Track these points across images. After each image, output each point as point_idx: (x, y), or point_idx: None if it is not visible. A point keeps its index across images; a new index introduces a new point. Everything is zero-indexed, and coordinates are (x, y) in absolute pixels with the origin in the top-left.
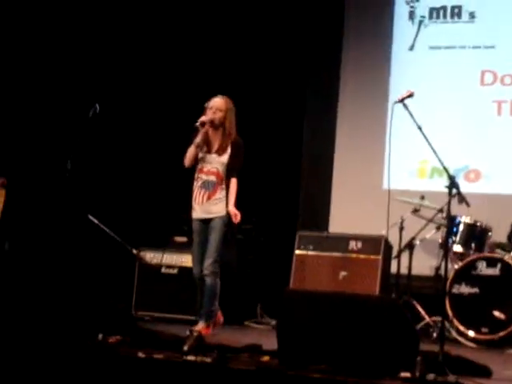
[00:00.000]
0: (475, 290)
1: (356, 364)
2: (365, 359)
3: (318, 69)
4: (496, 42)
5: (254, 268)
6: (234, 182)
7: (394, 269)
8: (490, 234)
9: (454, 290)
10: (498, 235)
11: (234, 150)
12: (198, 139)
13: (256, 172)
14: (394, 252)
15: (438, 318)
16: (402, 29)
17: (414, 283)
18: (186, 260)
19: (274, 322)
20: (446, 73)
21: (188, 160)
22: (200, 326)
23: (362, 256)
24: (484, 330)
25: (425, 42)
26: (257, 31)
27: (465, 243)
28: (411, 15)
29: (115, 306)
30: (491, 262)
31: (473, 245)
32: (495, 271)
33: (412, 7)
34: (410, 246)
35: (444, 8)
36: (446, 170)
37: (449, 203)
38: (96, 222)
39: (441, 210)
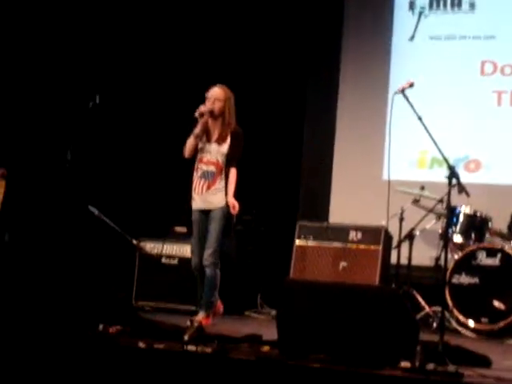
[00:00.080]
0: (475, 280)
1: (356, 354)
2: (365, 349)
3: (318, 60)
4: (496, 32)
5: (254, 258)
6: (233, 172)
7: (393, 259)
8: (489, 224)
9: (454, 280)
10: (498, 225)
11: (234, 139)
12: (197, 130)
13: (256, 163)
14: (394, 242)
15: (438, 308)
16: (402, 19)
17: (413, 273)
18: (186, 250)
19: (274, 312)
20: (446, 63)
21: (188, 151)
22: (200, 316)
23: (362, 246)
24: (484, 320)
25: (425, 33)
26: (256, 22)
27: (465, 233)
28: (411, 5)
29: (116, 297)
30: (491, 252)
31: (473, 235)
32: (495, 261)
33: None
34: (410, 237)
35: None
36: (445, 160)
37: (449, 193)
38: (96, 212)
39: (441, 201)
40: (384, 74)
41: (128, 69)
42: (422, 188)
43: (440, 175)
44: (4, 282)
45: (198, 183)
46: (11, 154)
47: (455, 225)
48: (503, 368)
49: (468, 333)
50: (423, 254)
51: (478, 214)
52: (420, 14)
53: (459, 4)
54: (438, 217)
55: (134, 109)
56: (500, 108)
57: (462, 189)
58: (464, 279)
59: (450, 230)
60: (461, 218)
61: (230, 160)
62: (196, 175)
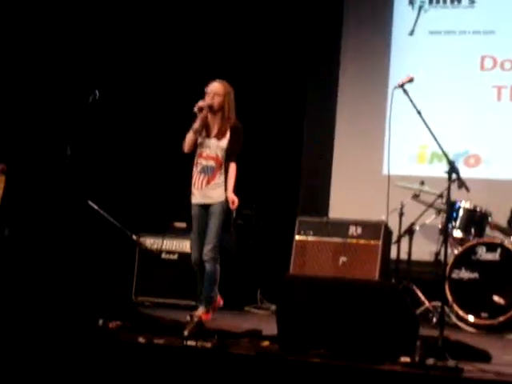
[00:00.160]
0: (475, 275)
1: (356, 349)
2: (365, 344)
3: (318, 55)
4: (496, 27)
5: (254, 253)
6: (232, 167)
7: (393, 254)
8: (489, 219)
9: (454, 275)
10: (498, 220)
11: (233, 134)
12: (196, 124)
13: (256, 157)
14: (394, 237)
15: (438, 303)
16: (401, 14)
17: (413, 268)
18: (185, 246)
19: (273, 308)
20: (446, 58)
21: (187, 146)
22: (200, 312)
23: (361, 241)
24: (484, 314)
25: (425, 27)
26: (257, 21)
27: (464, 228)
28: (411, 0)
29: (115, 292)
30: (491, 247)
31: (472, 230)
32: (495, 256)
33: None
34: (410, 232)
35: None
36: (445, 155)
37: (448, 188)
38: (96, 207)
39: (441, 196)
40: (384, 68)
41: (127, 64)
42: (422, 183)
43: (440, 170)
44: (4, 277)
45: (197, 178)
46: (11, 150)
47: (455, 220)
48: (503, 363)
49: (468, 328)
50: (423, 249)
51: (478, 209)
52: (420, 8)
53: None
54: (438, 212)
55: (134, 104)
56: (500, 103)
57: (461, 184)
58: (464, 274)
59: (449, 225)
60: (461, 213)
61: (230, 155)
62: (196, 170)
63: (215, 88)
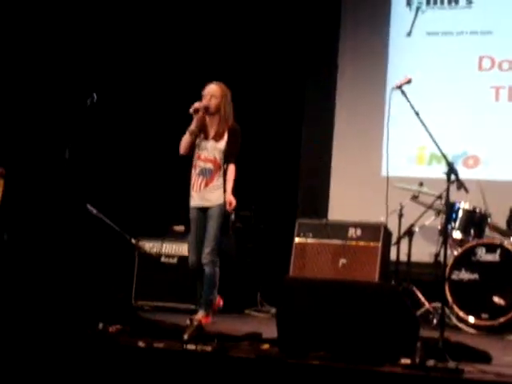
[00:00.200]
0: (475, 276)
1: (356, 351)
2: (365, 346)
3: (316, 56)
4: (493, 27)
5: (254, 256)
6: (231, 168)
7: (393, 256)
8: (489, 220)
9: (454, 277)
10: (497, 221)
11: (231, 136)
12: (192, 126)
13: (255, 159)
14: (394, 239)
15: (438, 305)
16: (399, 15)
17: (413, 270)
18: (185, 249)
19: (273, 310)
20: (444, 59)
21: (183, 147)
22: (200, 315)
23: (361, 243)
24: (484, 315)
25: (422, 28)
26: (255, 23)
27: (464, 229)
28: (409, 1)
29: (115, 296)
30: (491, 248)
31: (472, 231)
32: (495, 257)
33: None
34: (410, 233)
35: None
36: (444, 156)
37: (447, 189)
38: (95, 211)
39: (440, 197)
40: (382, 69)
41: (125, 67)
42: (421, 184)
43: (439, 171)
44: (3, 281)
45: (196, 180)
46: (9, 153)
47: (454, 221)
48: (503, 364)
49: (468, 329)
50: (423, 251)
51: (478, 210)
52: (417, 9)
53: (456, 0)
54: (437, 213)
55: (132, 107)
56: (498, 103)
57: (460, 185)
58: (464, 275)
59: (449, 226)
60: (460, 214)
61: (228, 156)
62: (194, 172)
63: (212, 90)
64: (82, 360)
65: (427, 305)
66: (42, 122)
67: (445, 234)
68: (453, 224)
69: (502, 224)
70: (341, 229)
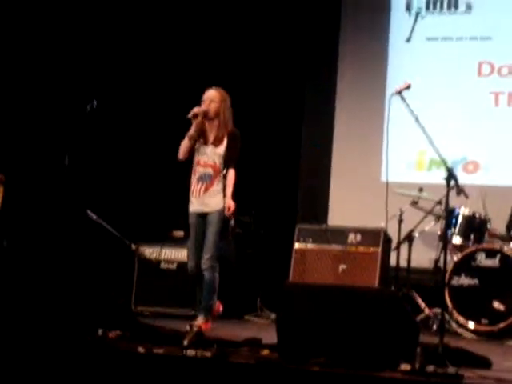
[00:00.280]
0: (475, 281)
1: (356, 357)
2: (365, 352)
3: (316, 62)
4: (493, 33)
5: (254, 262)
6: (231, 173)
7: (393, 261)
8: (488, 225)
9: (454, 282)
10: (497, 226)
11: (230, 140)
12: (191, 131)
13: (255, 165)
14: (393, 244)
15: (438, 310)
16: (398, 20)
17: (413, 275)
18: (184, 255)
19: (273, 316)
20: (443, 64)
21: (182, 152)
22: (199, 321)
23: (361, 249)
24: (484, 321)
25: (422, 34)
26: (254, 27)
27: (464, 235)
28: (408, 7)
29: (115, 301)
30: (490, 254)
31: (472, 236)
32: (494, 262)
33: None
34: (409, 239)
35: None
36: (443, 161)
37: (447, 195)
38: (94, 217)
39: (439, 202)
40: (381, 75)
41: (125, 73)
42: (421, 190)
43: (438, 177)
44: (3, 287)
45: (195, 186)
46: (9, 160)
47: (454, 226)
48: (503, 369)
49: (468, 334)
50: (422, 256)
51: (477, 216)
52: (417, 15)
53: (456, 5)
54: (437, 218)
55: (132, 113)
56: (498, 109)
57: (460, 190)
58: (463, 281)
59: (449, 232)
60: (460, 220)
61: (228, 161)
62: (194, 178)
63: (211, 95)
64: (82, 366)
65: (427, 310)
66: (42, 129)
67: (444, 239)
68: (452, 229)
69: (502, 229)
70: (341, 234)
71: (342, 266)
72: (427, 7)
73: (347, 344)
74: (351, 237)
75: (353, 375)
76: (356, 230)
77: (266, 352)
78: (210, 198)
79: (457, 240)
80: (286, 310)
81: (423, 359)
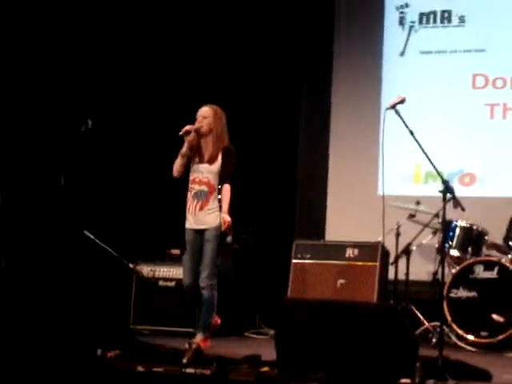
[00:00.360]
0: (473, 293)
1: (356, 372)
2: (364, 366)
3: (311, 76)
4: (487, 45)
5: (252, 278)
6: (226, 188)
7: (391, 275)
8: (486, 237)
9: (452, 295)
10: (494, 238)
11: (225, 156)
12: (184, 148)
13: (252, 181)
14: (391, 258)
15: (437, 323)
16: (392, 35)
17: (411, 289)
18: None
19: (272, 332)
20: (438, 77)
21: (176, 170)
22: (198, 339)
23: (359, 263)
24: (483, 333)
25: (415, 47)
26: (249, 42)
27: (461, 247)
28: (401, 21)
29: (113, 321)
30: (488, 266)
31: (470, 249)
32: (493, 274)
33: (402, 13)
34: (407, 252)
35: (434, 13)
36: (439, 174)
37: (444, 208)
38: (92, 237)
39: (437, 215)
40: (376, 89)
41: (120, 92)
42: (418, 203)
43: (435, 190)
44: (2, 307)
45: (191, 203)
46: (5, 180)
47: (452, 239)
48: (503, 382)
49: (467, 347)
50: (421, 269)
51: (475, 228)
52: (410, 28)
53: (449, 18)
54: (435, 231)
55: (127, 132)
56: (493, 121)
57: (457, 203)
58: (462, 293)
59: (446, 245)
60: (457, 232)
61: (223, 177)
62: (189, 196)
63: (203, 112)
64: None
65: (426, 324)
66: (37, 149)
67: (442, 252)
68: (450, 242)
69: (499, 241)
70: (338, 249)
71: (341, 281)
72: (420, 21)
73: (347, 359)
74: (349, 251)
75: None
76: (354, 245)
77: (265, 369)
78: (206, 215)
79: (455, 252)
80: (285, 325)
81: (423, 373)
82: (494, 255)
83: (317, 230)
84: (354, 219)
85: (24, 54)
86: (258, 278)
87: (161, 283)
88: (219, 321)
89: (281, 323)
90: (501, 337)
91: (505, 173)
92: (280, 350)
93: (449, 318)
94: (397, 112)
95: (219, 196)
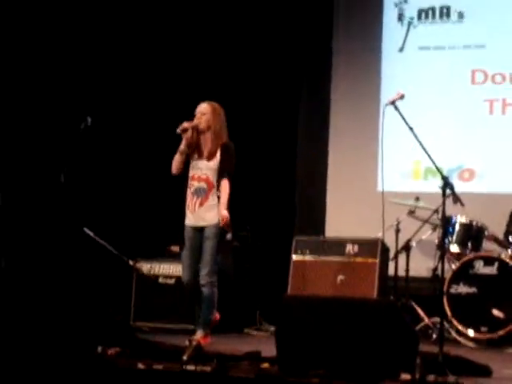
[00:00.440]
0: (473, 289)
1: (356, 368)
2: (365, 362)
3: (310, 72)
4: (486, 40)
5: (252, 275)
6: (225, 183)
7: (391, 271)
8: (486, 232)
9: (452, 290)
10: (494, 234)
11: (223, 153)
12: (182, 146)
13: (251, 178)
14: (391, 254)
15: (437, 319)
16: (391, 31)
17: (411, 285)
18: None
19: (273, 329)
20: (437, 73)
21: (174, 167)
22: (198, 336)
23: (359, 259)
24: (483, 329)
25: (414, 43)
26: (248, 39)
27: (461, 243)
28: (400, 17)
29: (113, 318)
30: (488, 261)
31: (469, 244)
32: (492, 270)
33: (401, 9)
34: (407, 248)
35: (432, 9)
36: (438, 170)
37: (443, 204)
38: (91, 234)
39: (436, 211)
40: (375, 85)
41: (119, 89)
42: (417, 199)
43: (435, 186)
44: (2, 306)
45: (190, 200)
46: (4, 179)
47: (451, 234)
48: (504, 377)
49: (468, 342)
50: (420, 265)
51: (474, 223)
52: (409, 24)
53: (448, 14)
54: (434, 227)
55: (126, 129)
56: (492, 116)
57: (456, 199)
58: (462, 289)
59: (446, 240)
60: (457, 228)
61: (221, 173)
62: (189, 192)
63: (201, 108)
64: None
65: (426, 319)
66: (37, 147)
67: (442, 248)
68: (450, 238)
69: (499, 236)
70: (338, 245)
71: (341, 277)
72: (419, 17)
73: (347, 355)
74: (349, 248)
75: None
76: (353, 241)
77: (265, 365)
78: (206, 212)
79: (454, 248)
80: (285, 322)
81: (423, 369)
82: (494, 248)
83: (316, 227)
84: (354, 215)
85: (24, 54)
86: (257, 275)
87: (161, 280)
88: (218, 316)
89: (281, 320)
90: (501, 332)
91: (504, 168)
92: (280, 347)
93: (449, 314)
94: (396, 108)
95: (219, 193)
